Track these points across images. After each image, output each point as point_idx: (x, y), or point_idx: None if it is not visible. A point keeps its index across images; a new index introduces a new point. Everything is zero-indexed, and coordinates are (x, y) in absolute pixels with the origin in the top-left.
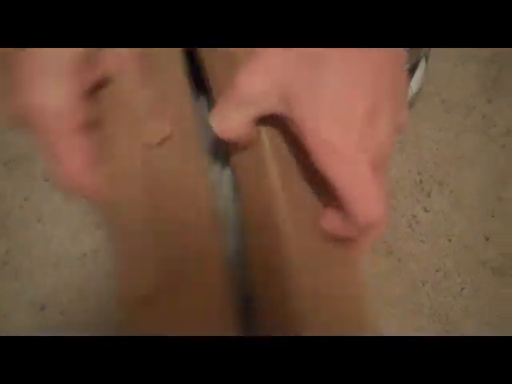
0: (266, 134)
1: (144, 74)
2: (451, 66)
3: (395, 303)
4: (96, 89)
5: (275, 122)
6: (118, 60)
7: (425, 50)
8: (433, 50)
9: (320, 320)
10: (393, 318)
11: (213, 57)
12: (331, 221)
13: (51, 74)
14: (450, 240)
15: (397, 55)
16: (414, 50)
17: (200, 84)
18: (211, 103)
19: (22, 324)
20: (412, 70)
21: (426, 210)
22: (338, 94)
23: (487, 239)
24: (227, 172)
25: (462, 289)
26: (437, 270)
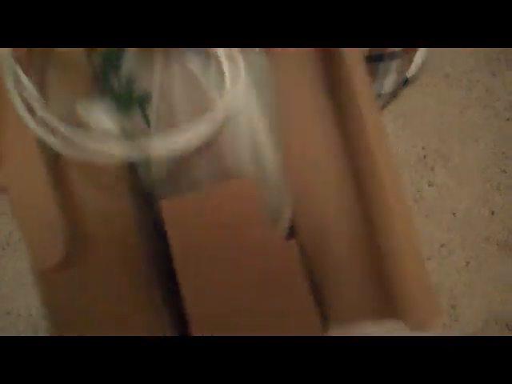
0: None
1: None
2: None
3: None
4: None
5: None
6: None
7: None
8: None
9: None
10: None
11: None
12: None
13: None
14: (454, 215)
15: None
16: None
17: None
18: None
19: (29, 303)
20: None
21: (430, 185)
22: None
23: (492, 213)
24: None
25: (467, 263)
26: (441, 245)
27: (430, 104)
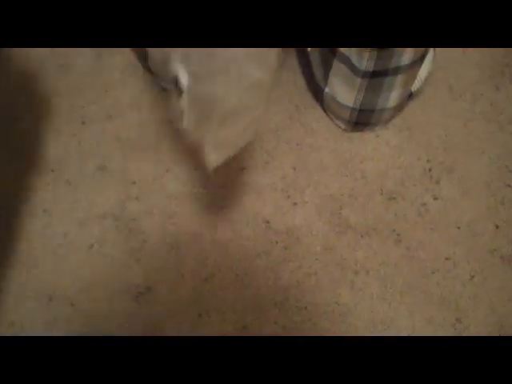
0: None
1: None
2: (459, 53)
3: (405, 292)
4: None
5: None
6: None
7: None
8: None
9: None
10: (402, 307)
11: None
12: None
13: None
14: (459, 228)
15: None
16: None
17: None
18: None
19: (31, 316)
20: (422, 58)
21: (435, 198)
22: None
23: (497, 227)
24: None
25: (472, 277)
26: (446, 258)
27: (434, 117)
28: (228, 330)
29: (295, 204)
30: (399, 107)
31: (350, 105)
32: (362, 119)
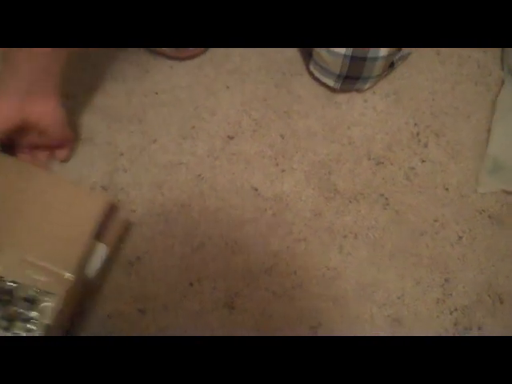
0: None
1: None
2: None
3: (394, 255)
4: None
5: None
6: None
7: None
8: None
9: None
10: (391, 270)
11: None
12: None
13: None
14: (447, 189)
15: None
16: None
17: None
18: None
19: None
20: None
21: (423, 161)
22: None
23: None
24: None
25: (460, 238)
26: (435, 220)
27: (421, 81)
28: (220, 297)
29: (283, 171)
30: (389, 57)
31: (342, 52)
32: (353, 71)
